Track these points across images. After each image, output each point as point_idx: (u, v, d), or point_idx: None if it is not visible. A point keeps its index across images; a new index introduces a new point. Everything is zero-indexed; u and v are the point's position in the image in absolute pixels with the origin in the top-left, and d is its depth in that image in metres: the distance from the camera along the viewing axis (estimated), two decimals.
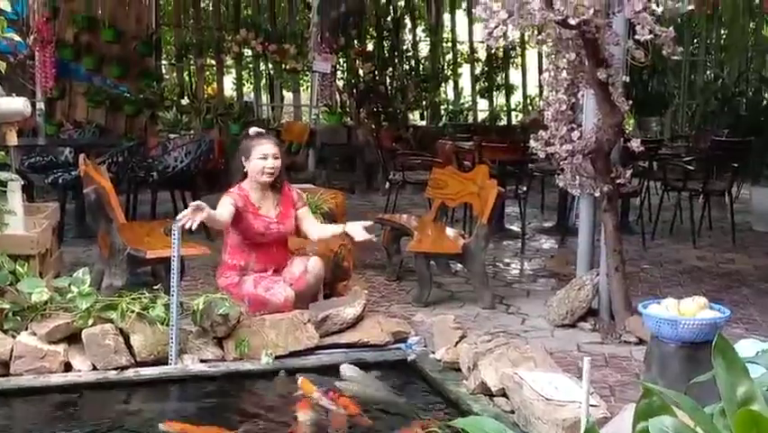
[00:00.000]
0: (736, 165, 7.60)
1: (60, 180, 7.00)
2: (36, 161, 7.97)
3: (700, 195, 7.60)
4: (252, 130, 4.61)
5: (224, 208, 4.33)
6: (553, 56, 4.50)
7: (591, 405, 3.28)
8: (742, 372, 1.79)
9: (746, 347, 3.36)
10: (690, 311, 3.54)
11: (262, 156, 4.42)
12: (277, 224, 4.51)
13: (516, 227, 7.99)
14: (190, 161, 7.42)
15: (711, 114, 11.22)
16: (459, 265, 5.96)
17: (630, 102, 4.59)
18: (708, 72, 13.78)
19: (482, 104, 15.82)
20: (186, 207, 7.52)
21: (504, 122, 15.26)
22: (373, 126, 11.19)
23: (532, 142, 4.74)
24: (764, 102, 11.16)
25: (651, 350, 3.67)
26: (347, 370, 3.90)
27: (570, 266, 5.75)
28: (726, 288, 5.97)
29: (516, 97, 15.88)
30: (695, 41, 13.81)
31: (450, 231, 6.00)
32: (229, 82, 14.55)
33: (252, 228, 4.45)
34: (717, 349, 1.79)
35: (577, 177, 4.73)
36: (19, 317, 3.87)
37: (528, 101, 15.75)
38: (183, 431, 3.24)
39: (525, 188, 7.53)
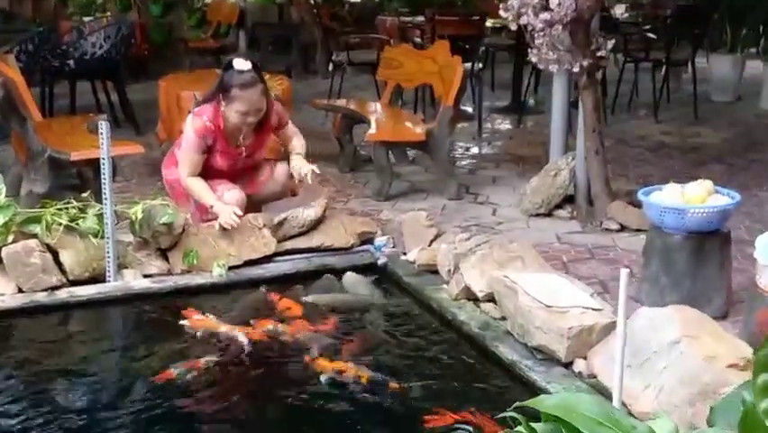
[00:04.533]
0: (697, 32, 7.21)
1: None
2: None
3: (663, 66, 7.21)
4: (238, 64, 3.64)
5: (199, 159, 3.71)
6: None
7: (594, 309, 2.96)
8: None
9: None
10: (697, 198, 3.18)
11: (244, 112, 3.63)
12: (245, 158, 3.86)
13: (469, 108, 7.52)
14: (110, 47, 6.67)
15: None
16: (415, 152, 5.49)
17: None
18: None
19: None
20: (108, 98, 6.94)
21: None
22: (313, 2, 10.36)
23: (502, 13, 4.26)
24: None
25: (651, 242, 3.34)
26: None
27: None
28: (698, 164, 5.70)
29: None
30: None
31: (407, 115, 5.50)
32: None
33: (215, 165, 3.79)
34: None
35: (553, 51, 4.26)
36: None
37: None
38: None
39: (480, 66, 7.01)
